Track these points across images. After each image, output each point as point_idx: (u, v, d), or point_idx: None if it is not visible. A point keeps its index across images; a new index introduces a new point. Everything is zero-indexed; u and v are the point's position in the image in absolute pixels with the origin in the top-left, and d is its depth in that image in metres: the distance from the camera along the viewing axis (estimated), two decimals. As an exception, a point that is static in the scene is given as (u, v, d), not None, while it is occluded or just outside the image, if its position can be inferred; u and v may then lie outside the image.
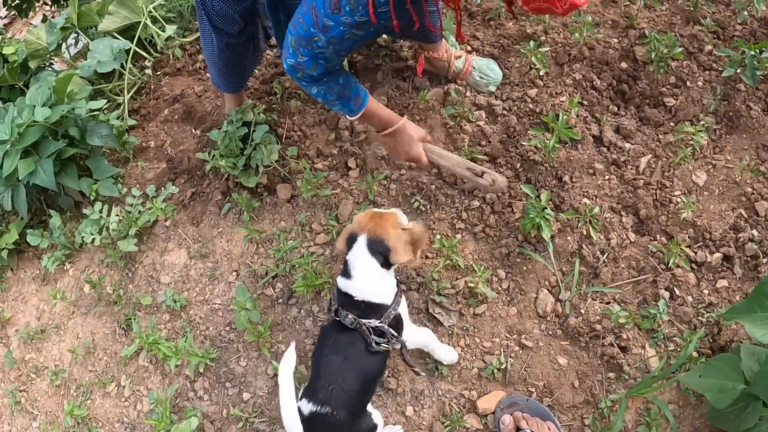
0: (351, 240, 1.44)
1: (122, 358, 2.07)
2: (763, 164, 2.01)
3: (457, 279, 1.81)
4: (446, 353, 1.68)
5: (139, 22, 2.51)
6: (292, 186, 2.04)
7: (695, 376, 1.54)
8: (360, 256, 1.41)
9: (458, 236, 1.85)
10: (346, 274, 1.43)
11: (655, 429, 1.62)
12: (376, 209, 1.55)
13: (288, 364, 1.31)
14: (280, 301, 1.90)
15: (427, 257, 1.86)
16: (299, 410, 1.31)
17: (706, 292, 1.82)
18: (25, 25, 3.36)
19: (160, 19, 2.54)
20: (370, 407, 1.48)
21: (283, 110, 2.21)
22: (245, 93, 2.21)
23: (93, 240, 2.20)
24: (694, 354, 1.70)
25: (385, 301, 1.42)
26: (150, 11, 2.51)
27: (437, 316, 1.77)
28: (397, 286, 1.50)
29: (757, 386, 1.46)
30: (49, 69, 2.72)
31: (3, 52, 2.59)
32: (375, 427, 1.45)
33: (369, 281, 1.41)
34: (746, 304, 1.45)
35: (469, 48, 2.15)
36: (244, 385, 1.86)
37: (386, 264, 1.41)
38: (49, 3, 3.23)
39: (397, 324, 1.45)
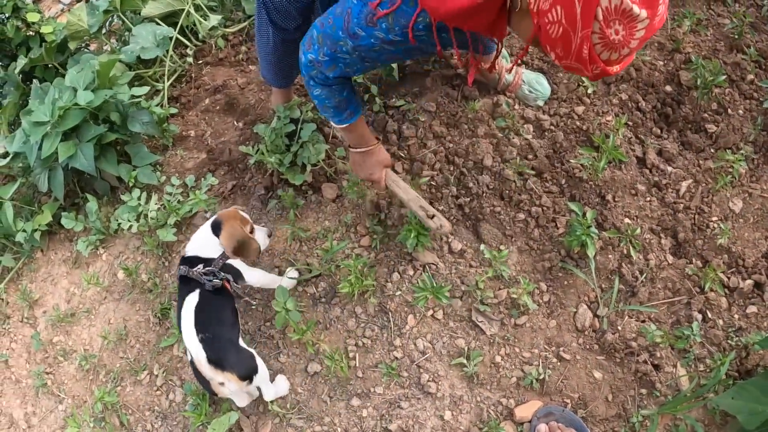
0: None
1: (155, 347, 2.18)
2: (797, 195, 2.16)
3: (500, 289, 1.94)
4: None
5: (182, 10, 2.60)
6: (338, 186, 2.16)
7: (728, 397, 1.68)
8: (204, 226, 1.89)
9: (503, 248, 1.98)
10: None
11: (684, 446, 1.77)
12: (243, 212, 1.92)
13: (191, 303, 1.76)
14: (323, 300, 2.02)
15: (471, 266, 1.99)
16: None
17: (736, 316, 1.97)
18: (54, 2, 3.43)
19: (203, 7, 2.64)
20: (241, 342, 1.82)
21: (330, 110, 2.32)
22: (292, 89, 2.32)
23: (130, 227, 2.30)
24: (723, 376, 1.84)
25: (211, 256, 1.85)
26: (194, -1, 2.61)
27: (479, 324, 1.90)
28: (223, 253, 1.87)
29: (785, 410, 1.60)
30: (85, 50, 2.81)
31: (41, 31, 2.68)
32: (252, 354, 1.79)
33: (200, 240, 1.87)
34: (782, 333, 1.60)
35: (518, 61, 2.27)
36: (282, 380, 1.97)
37: (216, 234, 1.85)
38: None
39: (232, 271, 1.88)
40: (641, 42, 1.12)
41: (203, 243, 1.87)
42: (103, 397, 2.12)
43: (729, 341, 1.92)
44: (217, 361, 1.68)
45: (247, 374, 1.73)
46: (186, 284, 1.83)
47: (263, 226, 2.07)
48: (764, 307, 1.99)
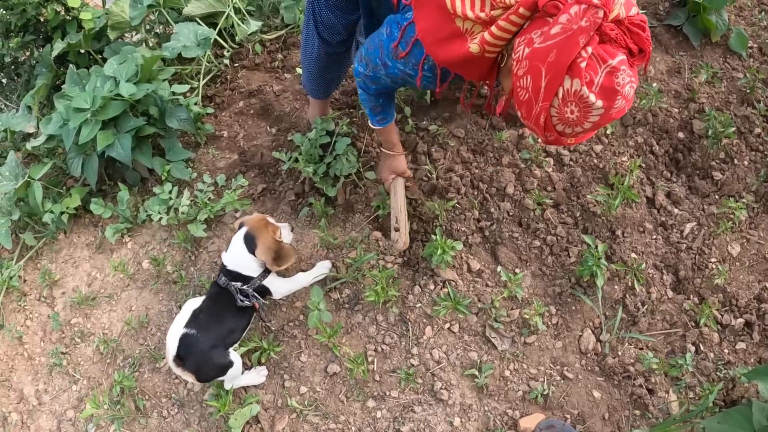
0: (240, 226, 2.16)
1: (177, 337, 2.42)
2: (790, 244, 2.49)
3: (513, 309, 2.23)
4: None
5: (222, 12, 2.86)
6: (366, 198, 2.43)
7: (714, 421, 1.98)
8: (237, 240, 2.11)
9: (518, 271, 2.27)
10: (227, 249, 2.15)
11: (670, 465, 2.07)
12: (269, 218, 2.17)
13: (192, 303, 2.11)
14: (346, 305, 2.29)
15: (487, 285, 2.27)
16: (188, 332, 2.02)
17: (726, 351, 2.28)
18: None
19: (243, 11, 2.89)
20: (231, 350, 2.12)
21: (363, 125, 2.60)
22: (329, 102, 2.58)
23: (160, 219, 2.54)
24: (710, 404, 2.15)
25: (251, 274, 2.12)
26: (235, 2, 2.86)
27: (492, 339, 2.19)
28: (265, 269, 2.14)
29: (763, 438, 1.91)
30: (121, 40, 3.04)
31: (80, 17, 2.90)
32: (230, 363, 2.09)
33: (239, 258, 2.10)
34: (766, 368, 1.91)
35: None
36: (301, 379, 2.23)
37: (253, 253, 2.09)
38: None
39: (263, 292, 2.16)
40: (596, 126, 1.34)
41: (241, 260, 2.10)
42: (122, 381, 2.35)
43: (718, 373, 2.23)
44: (182, 358, 2.01)
45: (207, 380, 2.11)
46: (219, 288, 2.13)
47: (283, 223, 2.27)
48: (752, 344, 2.30)
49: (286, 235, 2.20)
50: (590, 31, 1.26)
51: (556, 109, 1.33)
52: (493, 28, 1.43)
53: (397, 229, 2.22)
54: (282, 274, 2.24)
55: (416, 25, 1.62)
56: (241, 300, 2.09)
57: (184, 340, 2.01)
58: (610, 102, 1.28)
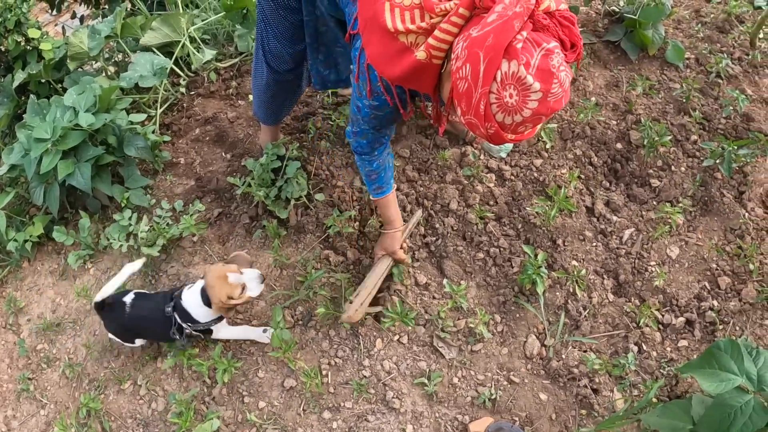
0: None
1: (140, 359, 2.54)
2: (729, 245, 2.64)
3: (459, 319, 2.38)
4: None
5: (178, 41, 3.01)
6: (316, 219, 2.58)
7: (654, 415, 2.13)
8: (196, 291, 2.23)
9: (463, 283, 2.42)
10: (191, 287, 2.28)
11: (615, 461, 2.21)
12: (233, 272, 2.16)
13: (131, 267, 2.36)
14: (300, 323, 2.43)
15: (434, 298, 2.42)
16: (125, 299, 2.32)
17: (668, 349, 2.43)
18: (51, 21, 3.80)
19: (198, 40, 3.05)
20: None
21: (313, 149, 2.75)
22: (279, 128, 2.73)
23: (120, 246, 2.66)
24: (654, 400, 2.30)
25: (199, 320, 2.26)
26: (190, 32, 3.01)
27: (440, 349, 2.33)
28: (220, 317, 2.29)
29: (700, 427, 2.06)
30: (81, 70, 3.18)
31: (40, 47, 3.04)
32: None
33: (195, 307, 2.23)
34: (699, 361, 2.05)
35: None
36: (259, 394, 2.36)
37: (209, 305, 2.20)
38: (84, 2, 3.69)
39: (204, 331, 2.33)
40: (535, 115, 1.39)
41: (198, 309, 2.22)
42: (88, 404, 2.46)
43: (661, 370, 2.37)
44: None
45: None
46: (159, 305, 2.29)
47: (252, 271, 2.22)
48: (695, 341, 2.45)
49: (254, 287, 2.18)
50: (524, 16, 1.35)
51: (496, 95, 1.37)
52: (436, 32, 1.50)
53: (351, 302, 2.27)
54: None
55: (366, 50, 1.69)
56: (172, 333, 2.26)
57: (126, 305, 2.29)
58: (547, 85, 1.33)
